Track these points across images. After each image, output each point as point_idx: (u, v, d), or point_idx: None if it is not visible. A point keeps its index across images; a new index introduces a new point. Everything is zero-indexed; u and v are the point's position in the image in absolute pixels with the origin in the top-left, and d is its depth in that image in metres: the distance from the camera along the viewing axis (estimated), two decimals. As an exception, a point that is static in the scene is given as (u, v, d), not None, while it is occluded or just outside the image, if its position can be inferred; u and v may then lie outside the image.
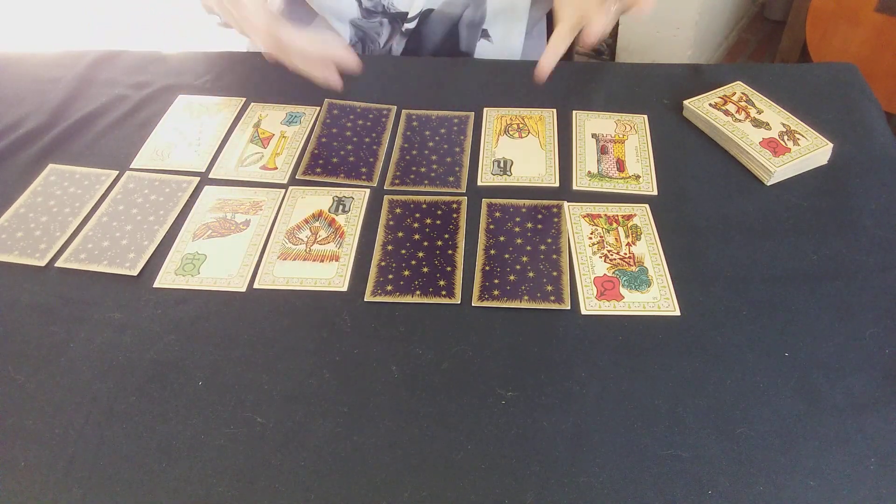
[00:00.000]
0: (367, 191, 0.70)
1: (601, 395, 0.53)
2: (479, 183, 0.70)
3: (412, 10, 0.85)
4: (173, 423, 0.52)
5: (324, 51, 0.67)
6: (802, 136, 0.71)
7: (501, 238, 0.65)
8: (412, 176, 0.71)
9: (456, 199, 0.69)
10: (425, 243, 0.64)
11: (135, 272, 0.62)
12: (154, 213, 0.68)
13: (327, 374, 0.55)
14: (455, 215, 0.67)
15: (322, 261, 0.63)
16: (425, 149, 0.74)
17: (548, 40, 0.99)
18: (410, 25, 0.86)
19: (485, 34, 0.87)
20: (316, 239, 0.65)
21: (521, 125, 0.76)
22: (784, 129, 0.72)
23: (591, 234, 0.65)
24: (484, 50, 0.88)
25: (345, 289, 0.61)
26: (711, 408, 0.52)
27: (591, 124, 0.76)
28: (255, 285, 0.61)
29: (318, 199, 0.69)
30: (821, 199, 0.67)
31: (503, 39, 0.87)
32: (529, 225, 0.66)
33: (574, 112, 0.77)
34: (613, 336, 0.57)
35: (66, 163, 0.73)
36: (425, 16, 0.86)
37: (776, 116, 0.74)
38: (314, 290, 0.61)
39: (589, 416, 0.52)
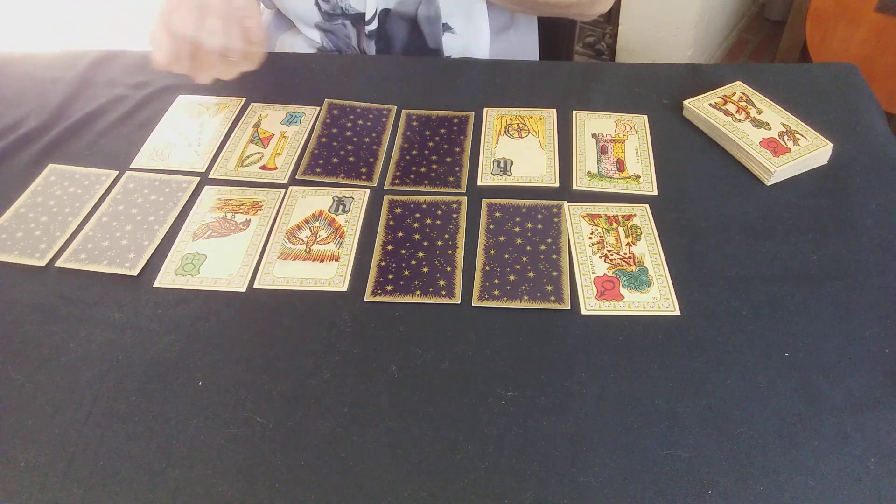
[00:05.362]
0: (367, 191, 0.70)
1: (601, 395, 0.53)
2: (479, 183, 0.70)
3: (368, 10, 0.85)
4: (173, 423, 0.52)
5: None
6: (802, 136, 0.71)
7: (501, 238, 0.65)
8: (412, 176, 0.71)
9: (456, 199, 0.69)
10: (425, 243, 0.64)
11: (135, 272, 0.62)
12: (154, 213, 0.68)
13: (327, 374, 0.55)
14: (455, 215, 0.67)
15: (322, 261, 0.63)
16: (425, 149, 0.74)
17: (542, 40, 0.99)
18: (372, 27, 0.87)
19: (447, 28, 0.87)
20: (316, 239, 0.65)
21: (521, 125, 0.76)
22: (784, 129, 0.72)
23: (591, 234, 0.65)
24: (451, 43, 0.88)
25: (345, 289, 0.61)
26: (711, 408, 0.52)
27: (591, 124, 0.76)
28: (255, 285, 0.61)
29: (318, 199, 0.69)
30: (821, 199, 0.67)
31: (467, 30, 0.87)
32: (529, 225, 0.66)
33: (574, 112, 0.77)
34: (613, 336, 0.57)
35: (66, 163, 0.73)
36: (384, 16, 0.86)
37: (776, 116, 0.74)
38: (314, 290, 0.61)
39: (589, 416, 0.52)
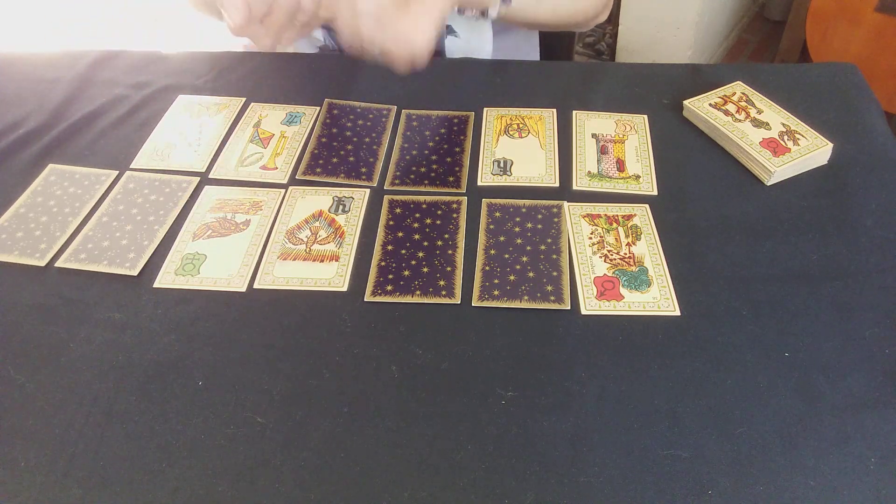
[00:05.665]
0: (367, 191, 0.70)
1: (601, 395, 0.53)
2: (479, 183, 0.70)
3: None
4: (173, 423, 0.52)
5: None
6: (802, 136, 0.71)
7: (501, 238, 0.65)
8: (412, 176, 0.71)
9: (456, 199, 0.69)
10: (425, 243, 0.64)
11: (135, 272, 0.62)
12: (154, 213, 0.68)
13: (327, 374, 0.55)
14: (455, 215, 0.67)
15: (322, 261, 0.63)
16: (425, 149, 0.74)
17: (542, 40, 0.99)
18: None
19: (450, 31, 0.87)
20: (316, 239, 0.65)
21: (521, 125, 0.76)
22: (784, 129, 0.72)
23: (591, 234, 0.65)
24: (453, 46, 0.88)
25: (345, 289, 0.61)
26: (711, 408, 0.52)
27: (591, 124, 0.76)
28: (255, 285, 0.61)
29: (318, 199, 0.69)
30: (821, 199, 0.67)
31: (469, 34, 0.87)
32: (529, 225, 0.66)
33: (574, 112, 0.77)
34: (613, 336, 0.57)
35: (66, 163, 0.73)
36: None
37: (776, 116, 0.74)
38: (314, 290, 0.61)
39: (589, 416, 0.52)
